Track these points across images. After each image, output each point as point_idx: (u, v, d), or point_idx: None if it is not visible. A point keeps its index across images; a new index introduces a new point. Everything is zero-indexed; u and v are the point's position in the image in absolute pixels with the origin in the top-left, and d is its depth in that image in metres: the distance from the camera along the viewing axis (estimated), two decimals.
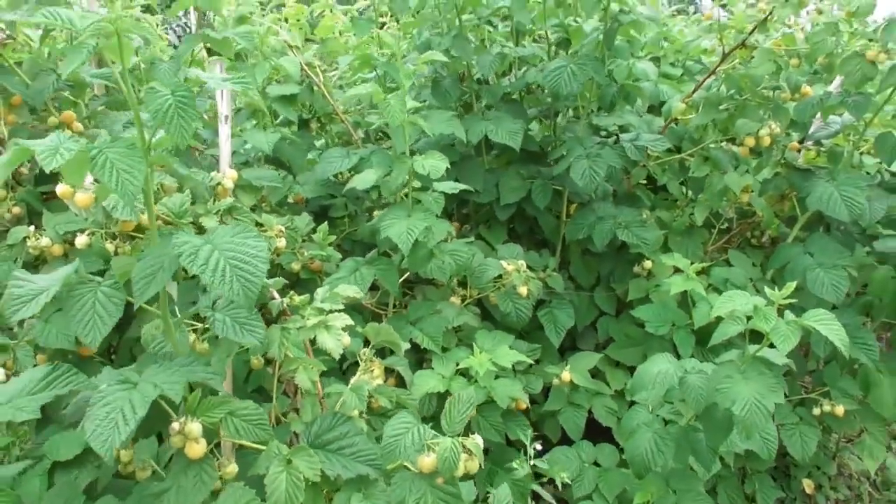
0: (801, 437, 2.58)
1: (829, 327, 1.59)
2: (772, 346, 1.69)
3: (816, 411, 2.61)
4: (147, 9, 3.03)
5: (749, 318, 1.70)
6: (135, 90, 1.38)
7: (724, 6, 2.85)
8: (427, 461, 1.39)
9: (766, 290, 1.67)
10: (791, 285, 1.63)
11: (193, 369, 1.33)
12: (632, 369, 2.73)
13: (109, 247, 1.76)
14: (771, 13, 2.42)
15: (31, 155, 1.13)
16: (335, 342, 1.56)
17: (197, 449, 1.31)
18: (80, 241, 1.73)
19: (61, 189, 1.62)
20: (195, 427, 1.31)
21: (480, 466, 1.40)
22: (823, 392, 2.65)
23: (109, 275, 1.38)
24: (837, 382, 2.65)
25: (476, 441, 1.40)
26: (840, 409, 2.57)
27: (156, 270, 1.27)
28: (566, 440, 2.49)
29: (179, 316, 1.58)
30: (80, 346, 2.02)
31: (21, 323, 2.19)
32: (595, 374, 2.63)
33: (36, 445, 1.87)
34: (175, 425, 1.30)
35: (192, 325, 1.69)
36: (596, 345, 2.88)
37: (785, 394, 2.73)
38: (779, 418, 2.63)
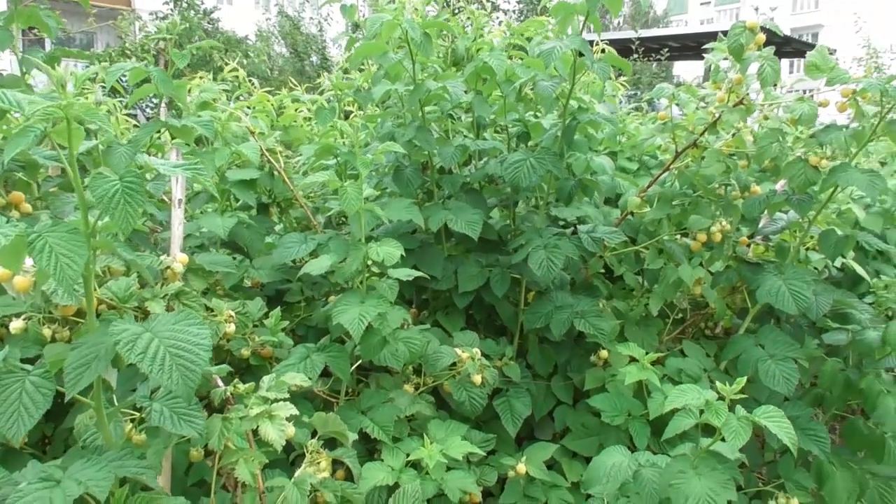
0: None
1: (778, 424, 1.59)
2: (724, 439, 1.69)
3: None
4: (114, 91, 3.07)
5: (702, 411, 1.71)
6: (84, 173, 1.37)
7: (677, 105, 2.99)
8: None
9: (718, 384, 1.67)
10: (742, 380, 1.64)
11: (125, 463, 1.26)
12: (588, 460, 2.68)
13: (47, 332, 1.70)
14: (719, 117, 2.54)
15: None
16: (278, 433, 1.51)
17: None
18: (15, 325, 1.66)
19: None
20: None
21: None
22: (778, 485, 2.63)
23: (41, 363, 1.33)
24: (792, 475, 2.63)
25: None
26: (795, 502, 2.55)
27: (90, 360, 1.23)
28: None
29: (116, 405, 1.52)
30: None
31: None
32: (551, 465, 2.58)
33: None
34: None
35: (130, 414, 1.62)
36: (553, 434, 2.84)
37: (740, 486, 2.71)
38: None
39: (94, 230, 1.27)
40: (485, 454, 2.36)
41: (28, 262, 1.53)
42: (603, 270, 3.35)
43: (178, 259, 1.94)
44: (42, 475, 1.19)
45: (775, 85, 2.43)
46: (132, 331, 1.21)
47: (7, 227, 1.13)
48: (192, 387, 1.19)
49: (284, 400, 1.59)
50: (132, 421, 1.62)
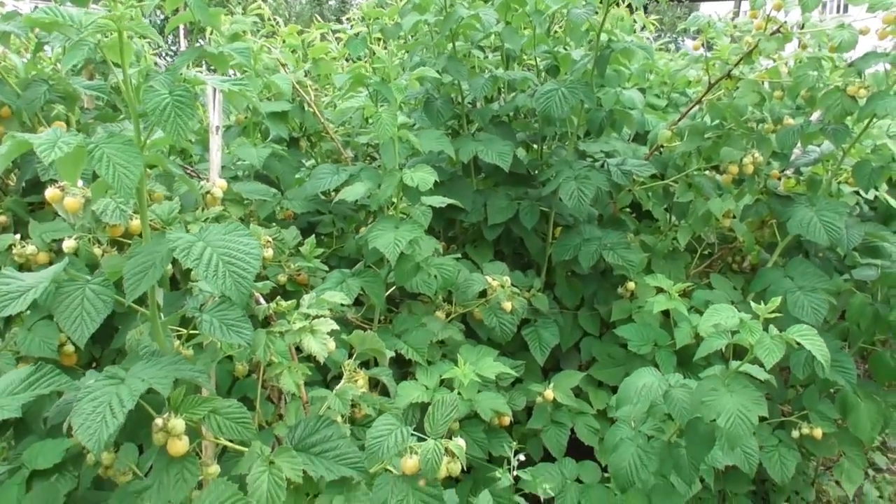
0: (781, 460, 2.59)
1: (811, 342, 1.62)
2: (754, 361, 1.72)
3: (795, 434, 2.64)
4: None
5: (734, 333, 1.74)
6: (114, 111, 1.38)
7: (708, 46, 2.94)
8: (409, 463, 1.40)
9: (752, 304, 1.70)
10: (776, 300, 1.66)
11: (180, 367, 1.33)
12: (614, 389, 2.75)
13: (97, 251, 1.77)
14: (756, 46, 2.49)
15: (28, 147, 1.14)
16: (320, 346, 1.56)
17: (179, 446, 1.31)
18: (68, 244, 1.73)
19: (50, 193, 1.63)
20: (178, 423, 1.30)
21: (463, 469, 1.40)
22: (802, 415, 2.68)
23: (98, 273, 1.39)
24: (816, 405, 2.68)
25: (458, 443, 1.41)
26: (818, 432, 2.60)
27: (147, 267, 1.28)
28: (549, 460, 2.48)
29: (165, 320, 1.58)
30: (62, 355, 2.01)
31: (3, 333, 2.19)
32: (578, 393, 2.65)
33: (15, 455, 1.85)
34: (158, 421, 1.30)
35: (178, 331, 1.69)
36: (579, 366, 2.90)
37: (764, 417, 2.77)
38: (758, 440, 2.65)
39: (145, 146, 1.31)
40: (514, 379, 2.43)
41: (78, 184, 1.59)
42: (629, 208, 3.36)
43: (217, 184, 1.98)
44: (108, 374, 1.26)
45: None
46: (187, 238, 1.26)
47: (67, 136, 1.16)
48: (244, 293, 1.24)
49: (325, 316, 1.65)
50: (179, 337, 1.69)
